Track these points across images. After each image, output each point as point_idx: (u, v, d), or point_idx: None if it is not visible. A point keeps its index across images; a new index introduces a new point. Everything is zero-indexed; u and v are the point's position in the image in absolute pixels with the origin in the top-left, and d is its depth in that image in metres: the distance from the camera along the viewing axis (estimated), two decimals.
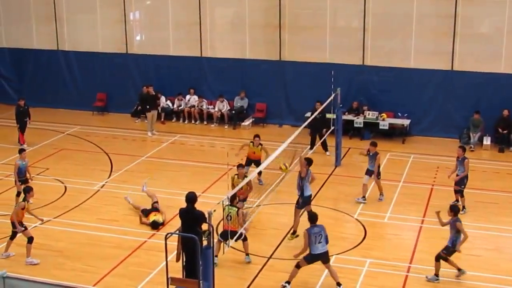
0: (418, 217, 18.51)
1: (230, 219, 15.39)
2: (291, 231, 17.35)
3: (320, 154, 23.07)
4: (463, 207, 18.63)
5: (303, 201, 17.08)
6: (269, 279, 15.34)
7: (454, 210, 15.13)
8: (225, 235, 15.20)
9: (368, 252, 16.53)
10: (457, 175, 18.81)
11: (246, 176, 17.73)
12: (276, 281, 15.16)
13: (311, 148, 23.50)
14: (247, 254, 16.11)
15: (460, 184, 18.70)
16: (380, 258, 16.13)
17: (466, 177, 18.71)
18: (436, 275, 15.13)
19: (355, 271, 15.51)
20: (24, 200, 16.21)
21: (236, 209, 15.53)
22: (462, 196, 18.73)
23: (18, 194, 18.79)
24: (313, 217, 14.75)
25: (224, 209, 15.34)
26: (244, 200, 17.96)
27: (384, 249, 16.70)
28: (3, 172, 21.91)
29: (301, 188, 17.01)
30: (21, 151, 19.49)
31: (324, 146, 23.58)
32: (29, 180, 19.36)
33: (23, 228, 16.07)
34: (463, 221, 18.25)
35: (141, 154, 23.90)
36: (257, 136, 20.73)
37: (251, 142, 20.63)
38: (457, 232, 14.90)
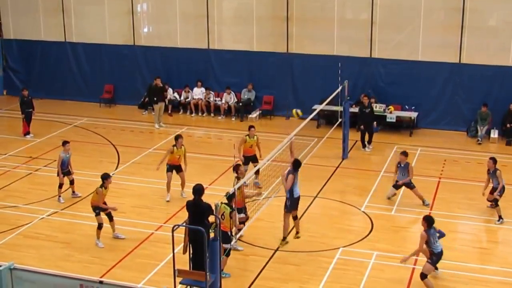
0: (425, 210, 18.46)
1: (223, 219, 14.30)
2: (282, 237, 16.39)
3: (327, 147, 22.92)
4: (500, 217, 17.88)
5: (291, 203, 16.02)
6: (276, 271, 15.33)
7: None
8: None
9: (375, 245, 16.51)
10: (493, 187, 18.09)
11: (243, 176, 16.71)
12: (283, 274, 15.17)
13: (363, 146, 23.45)
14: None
15: (498, 193, 17.92)
16: (387, 250, 16.11)
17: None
18: None
19: (362, 264, 15.50)
20: (101, 186, 16.45)
21: (230, 210, 14.38)
22: (496, 205, 17.94)
23: (60, 186, 18.93)
24: (430, 220, 14.32)
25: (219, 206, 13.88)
26: (242, 209, 16.13)
27: (391, 242, 16.67)
28: (11, 164, 21.96)
29: (290, 190, 15.88)
30: (65, 143, 19.25)
31: (369, 140, 23.56)
32: (71, 172, 19.28)
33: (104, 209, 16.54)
34: (470, 215, 18.36)
35: (148, 146, 23.92)
36: (252, 126, 19.89)
37: (247, 135, 19.75)
38: None
